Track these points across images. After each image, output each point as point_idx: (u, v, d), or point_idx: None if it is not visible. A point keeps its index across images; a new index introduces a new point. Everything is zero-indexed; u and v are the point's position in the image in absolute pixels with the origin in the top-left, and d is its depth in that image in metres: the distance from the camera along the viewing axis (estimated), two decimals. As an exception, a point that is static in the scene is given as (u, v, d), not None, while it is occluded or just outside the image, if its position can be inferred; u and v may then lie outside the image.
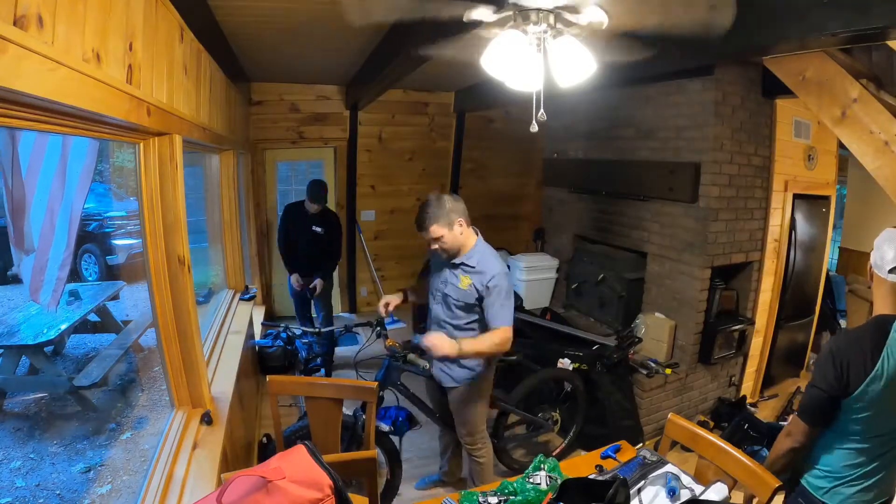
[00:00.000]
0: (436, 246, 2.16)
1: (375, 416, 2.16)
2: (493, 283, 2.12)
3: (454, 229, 2.13)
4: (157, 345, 1.75)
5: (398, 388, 2.54)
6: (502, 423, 2.87)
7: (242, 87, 4.31)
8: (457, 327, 2.26)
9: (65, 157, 1.89)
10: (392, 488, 2.58)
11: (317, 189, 3.86)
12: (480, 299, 2.16)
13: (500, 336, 2.12)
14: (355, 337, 4.97)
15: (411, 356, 2.49)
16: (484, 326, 2.20)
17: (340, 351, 4.64)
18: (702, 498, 1.49)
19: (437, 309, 2.33)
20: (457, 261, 2.20)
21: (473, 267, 2.16)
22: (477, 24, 1.51)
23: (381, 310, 2.38)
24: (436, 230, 2.11)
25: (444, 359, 2.19)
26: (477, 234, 2.25)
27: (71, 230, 2.03)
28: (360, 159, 5.31)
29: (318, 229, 3.95)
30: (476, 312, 2.22)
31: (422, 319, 5.01)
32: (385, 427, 2.54)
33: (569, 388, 3.21)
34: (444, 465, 2.84)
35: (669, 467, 1.64)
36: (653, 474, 1.60)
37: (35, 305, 3.53)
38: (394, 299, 2.42)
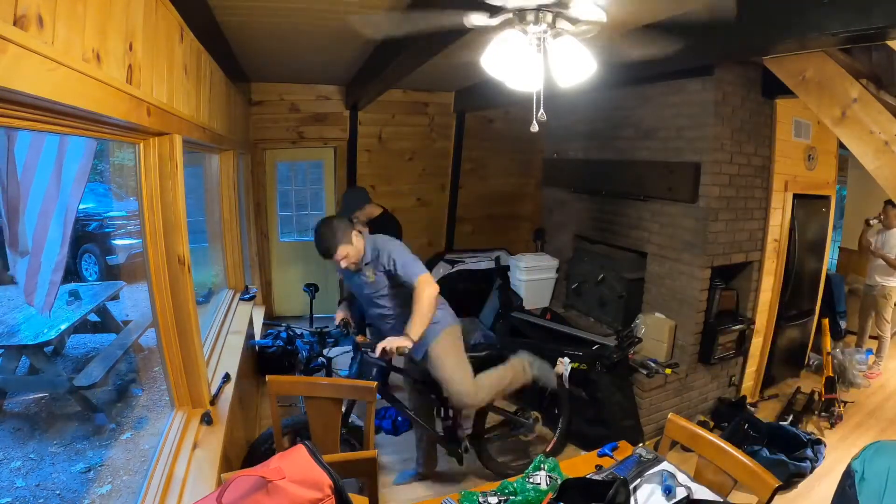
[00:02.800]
0: (345, 264, 2.35)
1: (374, 416, 2.16)
2: (389, 257, 2.34)
3: (354, 242, 2.33)
4: (157, 345, 1.75)
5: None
6: (482, 422, 2.81)
7: (242, 87, 4.31)
8: (393, 310, 2.48)
9: (61, 157, 1.86)
10: None
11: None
12: (391, 274, 2.36)
13: (423, 290, 2.27)
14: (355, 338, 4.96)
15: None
16: (408, 291, 2.35)
17: (339, 353, 4.64)
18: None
19: (372, 311, 2.55)
20: (359, 266, 2.41)
21: (368, 261, 2.39)
22: (482, 7, 1.52)
23: (339, 326, 2.70)
24: (342, 251, 2.29)
25: (405, 347, 2.26)
26: (363, 235, 2.44)
27: (65, 232, 1.98)
28: (360, 159, 5.31)
29: None
30: (394, 289, 2.42)
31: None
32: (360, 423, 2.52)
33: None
34: (420, 457, 2.87)
35: (665, 465, 1.64)
36: (648, 472, 1.60)
37: (34, 306, 3.53)
38: (345, 314, 2.74)
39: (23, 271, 2.05)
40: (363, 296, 2.53)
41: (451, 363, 2.47)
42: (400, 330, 2.33)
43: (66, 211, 1.95)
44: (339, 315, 2.77)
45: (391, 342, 2.22)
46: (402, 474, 2.94)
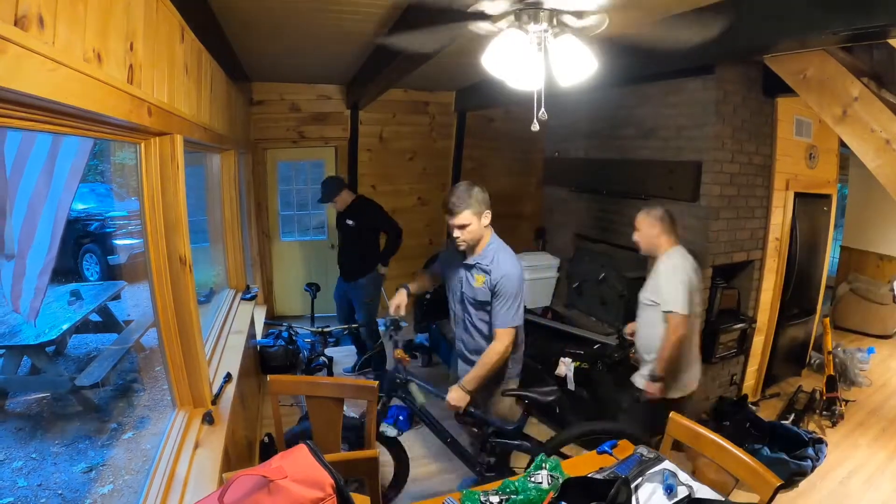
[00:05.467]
0: (458, 234, 2.17)
1: (376, 416, 2.16)
2: (500, 284, 2.16)
3: (482, 220, 2.17)
4: (158, 345, 1.75)
5: (403, 399, 2.45)
6: None
7: (243, 86, 4.31)
8: (473, 324, 2.31)
9: (53, 154, 1.76)
10: (396, 487, 2.56)
11: (323, 187, 3.86)
12: (492, 295, 2.20)
13: (498, 346, 2.18)
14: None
15: (413, 387, 2.39)
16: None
17: (341, 352, 4.65)
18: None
19: (456, 308, 2.38)
20: (471, 261, 2.24)
21: (487, 266, 2.20)
22: (480, 17, 1.52)
23: (393, 311, 2.40)
24: (466, 216, 2.13)
25: (460, 406, 2.24)
26: (492, 232, 2.29)
27: (55, 234, 1.87)
28: (361, 159, 5.31)
29: (351, 223, 3.90)
30: (488, 310, 2.26)
31: (423, 318, 5.02)
32: (393, 433, 2.44)
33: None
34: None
35: (666, 464, 1.64)
36: (650, 471, 1.59)
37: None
38: (402, 299, 2.41)
39: (8, 276, 1.94)
40: (457, 293, 2.33)
41: (496, 404, 2.40)
42: (473, 343, 2.30)
43: (57, 210, 1.84)
44: (397, 302, 2.37)
45: (456, 402, 2.19)
46: (465, 481, 2.73)
